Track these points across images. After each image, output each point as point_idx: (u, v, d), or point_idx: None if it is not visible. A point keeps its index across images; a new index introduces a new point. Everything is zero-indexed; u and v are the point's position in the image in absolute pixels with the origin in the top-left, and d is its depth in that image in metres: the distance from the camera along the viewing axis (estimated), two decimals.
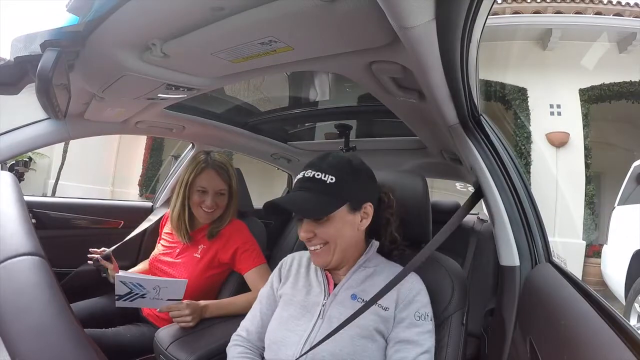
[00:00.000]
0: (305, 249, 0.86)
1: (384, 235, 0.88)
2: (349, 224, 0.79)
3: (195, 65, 0.89)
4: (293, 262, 0.93)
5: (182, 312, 1.07)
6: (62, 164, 6.44)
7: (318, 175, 0.77)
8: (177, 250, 1.30)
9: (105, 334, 1.17)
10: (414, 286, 0.80)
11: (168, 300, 1.08)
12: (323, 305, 0.81)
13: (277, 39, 0.69)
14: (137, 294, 1.05)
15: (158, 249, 1.36)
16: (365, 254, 0.84)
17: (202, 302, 1.13)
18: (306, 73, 1.64)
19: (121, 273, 1.06)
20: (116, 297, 1.04)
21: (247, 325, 0.92)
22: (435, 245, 0.86)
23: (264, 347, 0.86)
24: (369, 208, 0.81)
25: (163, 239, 1.37)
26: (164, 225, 1.41)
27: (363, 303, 0.77)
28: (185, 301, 1.08)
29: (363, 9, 0.56)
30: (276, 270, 0.94)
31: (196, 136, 1.73)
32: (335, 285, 0.84)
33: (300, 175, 0.80)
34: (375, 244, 0.86)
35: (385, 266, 0.85)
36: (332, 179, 0.76)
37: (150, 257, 1.34)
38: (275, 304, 0.90)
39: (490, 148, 0.98)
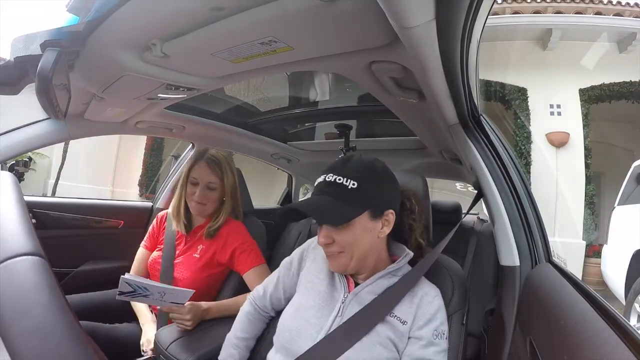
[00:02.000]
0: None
1: (410, 242, 0.86)
2: (369, 231, 0.76)
3: (195, 65, 0.89)
4: (318, 246, 0.89)
5: (183, 316, 1.07)
6: (62, 164, 6.44)
7: (339, 179, 0.74)
8: (176, 252, 1.30)
9: (100, 327, 1.18)
10: (434, 302, 0.78)
11: (171, 303, 1.07)
12: (343, 302, 0.80)
13: (277, 39, 0.69)
14: (140, 293, 1.04)
15: (156, 251, 1.35)
16: (398, 262, 0.81)
17: (204, 305, 1.13)
18: (306, 73, 1.64)
19: (128, 276, 1.05)
20: (118, 293, 1.04)
21: (266, 286, 0.96)
22: (440, 248, 0.86)
23: (271, 313, 0.92)
24: (390, 215, 0.78)
25: (160, 244, 1.37)
26: (160, 226, 1.39)
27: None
28: (187, 304, 1.08)
29: (363, 9, 0.56)
30: (302, 247, 0.93)
31: (196, 136, 1.73)
32: (356, 284, 0.82)
33: (321, 179, 0.77)
34: (410, 254, 0.82)
35: (406, 273, 0.83)
36: (354, 185, 0.73)
37: (149, 259, 1.33)
38: (293, 276, 0.91)
39: (490, 148, 0.98)
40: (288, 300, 0.89)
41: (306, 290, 0.85)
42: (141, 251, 1.38)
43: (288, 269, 0.93)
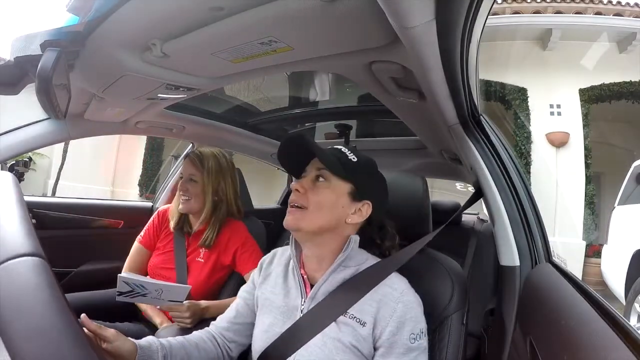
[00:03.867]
0: None
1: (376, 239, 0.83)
2: (341, 206, 0.75)
3: (195, 65, 0.89)
4: (274, 259, 0.89)
5: (182, 314, 1.08)
6: (62, 164, 6.44)
7: (344, 149, 0.80)
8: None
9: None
10: (402, 299, 0.71)
11: (169, 301, 1.08)
12: (302, 311, 0.76)
13: (277, 39, 0.69)
14: (138, 293, 1.05)
15: (155, 255, 1.35)
16: (344, 251, 0.76)
17: (204, 304, 1.14)
18: (306, 73, 1.64)
19: (124, 274, 1.05)
20: (117, 294, 1.04)
21: (222, 316, 0.90)
22: (420, 245, 0.83)
23: (233, 339, 0.85)
24: (366, 206, 0.77)
25: (160, 246, 1.36)
26: (161, 224, 1.38)
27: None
28: (186, 302, 1.08)
29: (363, 9, 0.56)
30: (257, 267, 0.90)
31: (196, 136, 1.73)
32: (312, 286, 0.78)
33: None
34: (355, 238, 0.77)
35: (371, 265, 0.78)
36: (354, 159, 0.78)
37: (150, 263, 1.33)
38: (253, 302, 0.86)
39: (490, 148, 0.98)
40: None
41: (266, 309, 0.82)
42: (136, 246, 1.36)
43: (248, 293, 0.89)
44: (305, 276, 0.80)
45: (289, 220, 0.75)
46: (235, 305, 0.89)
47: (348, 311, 0.72)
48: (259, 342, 0.79)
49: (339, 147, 0.81)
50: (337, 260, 0.76)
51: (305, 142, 0.77)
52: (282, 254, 0.89)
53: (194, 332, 0.86)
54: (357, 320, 0.71)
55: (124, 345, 0.70)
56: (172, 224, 1.32)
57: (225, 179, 1.32)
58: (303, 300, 0.77)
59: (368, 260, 0.79)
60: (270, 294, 0.83)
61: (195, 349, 0.80)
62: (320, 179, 0.76)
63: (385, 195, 0.83)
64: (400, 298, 0.72)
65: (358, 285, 0.74)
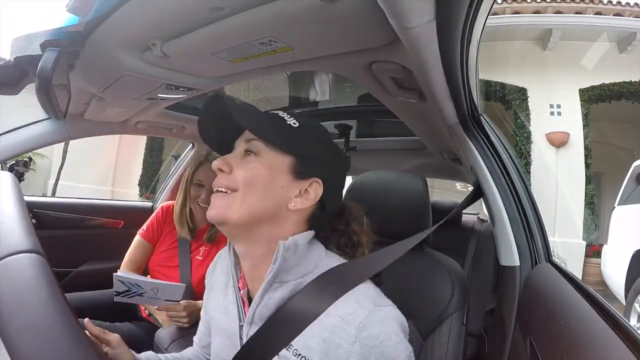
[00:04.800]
0: None
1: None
2: (280, 185, 0.56)
3: (195, 65, 0.89)
4: (217, 264, 0.73)
5: (179, 314, 1.08)
6: (62, 164, 6.44)
7: (282, 114, 0.60)
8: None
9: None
10: (361, 338, 0.50)
11: (166, 300, 1.08)
12: (241, 337, 0.59)
13: (277, 39, 0.69)
14: (135, 292, 1.05)
15: (157, 252, 1.35)
16: (273, 262, 0.54)
17: (201, 303, 1.13)
18: (306, 73, 1.64)
19: (120, 273, 1.06)
20: (114, 294, 1.05)
21: (195, 337, 0.80)
22: (403, 251, 0.66)
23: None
24: (316, 186, 0.58)
25: (163, 242, 1.36)
26: (164, 219, 1.37)
27: (283, 344, 0.53)
28: (183, 302, 1.09)
29: (363, 9, 0.56)
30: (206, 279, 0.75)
31: (196, 136, 1.73)
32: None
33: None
34: (285, 245, 0.54)
35: (317, 277, 0.56)
36: (295, 124, 0.58)
37: (150, 262, 1.33)
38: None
39: (490, 148, 0.98)
40: None
41: (215, 329, 0.68)
42: (138, 239, 1.36)
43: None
44: (242, 292, 0.61)
45: (211, 210, 0.56)
46: (200, 325, 0.78)
47: (292, 344, 0.53)
48: None
49: (277, 111, 0.61)
50: (267, 275, 0.55)
51: (224, 106, 0.58)
52: (225, 257, 0.68)
53: (188, 349, 0.79)
54: (303, 358, 0.52)
55: (124, 355, 0.66)
56: (182, 232, 1.29)
57: None
58: (241, 324, 0.60)
59: (319, 265, 0.57)
60: (213, 311, 0.68)
61: None
62: (250, 153, 0.57)
63: (341, 171, 0.64)
64: (358, 336, 0.50)
65: (297, 311, 0.54)
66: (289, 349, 0.53)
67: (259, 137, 0.56)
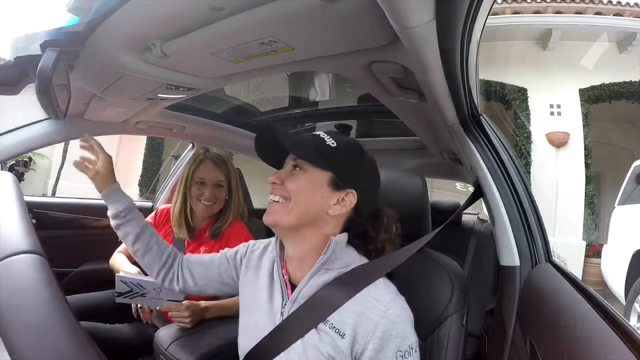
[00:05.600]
0: None
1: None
2: (320, 196, 0.69)
3: (195, 65, 0.89)
4: (264, 253, 0.83)
5: (181, 314, 1.07)
6: (62, 164, 6.43)
7: (322, 135, 0.72)
8: None
9: (100, 328, 1.17)
10: (387, 313, 0.64)
11: (168, 300, 1.08)
12: (282, 314, 0.72)
13: (277, 39, 0.69)
14: (137, 292, 1.05)
15: None
16: (324, 253, 0.69)
17: (203, 304, 1.13)
18: (306, 73, 1.64)
19: (122, 273, 1.06)
20: (116, 294, 1.05)
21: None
22: (415, 248, 0.77)
23: (190, 273, 0.86)
24: (351, 196, 0.70)
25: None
26: (161, 224, 1.36)
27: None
28: (185, 302, 1.08)
29: (363, 9, 0.56)
30: (246, 245, 0.87)
31: (196, 136, 1.73)
32: (294, 287, 0.73)
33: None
34: (336, 239, 0.70)
35: (354, 268, 0.71)
36: (333, 144, 0.70)
37: None
38: (229, 268, 0.84)
39: (490, 148, 0.98)
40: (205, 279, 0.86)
41: (250, 309, 0.78)
42: None
43: (227, 258, 0.86)
44: (286, 277, 0.75)
45: (268, 217, 0.71)
46: (212, 256, 0.88)
47: (328, 319, 0.66)
48: (245, 341, 0.76)
49: (319, 132, 0.73)
50: (317, 262, 0.70)
51: (274, 133, 0.70)
52: (267, 245, 0.84)
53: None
54: (337, 331, 0.65)
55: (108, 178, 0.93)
56: (180, 232, 1.27)
57: (237, 180, 1.34)
58: (284, 302, 0.73)
59: (355, 261, 0.72)
60: (253, 290, 0.79)
61: (155, 240, 0.88)
62: (297, 168, 0.71)
63: (373, 181, 0.76)
64: (385, 312, 0.64)
65: (338, 291, 0.68)
66: (325, 323, 0.66)
67: (304, 160, 0.70)
